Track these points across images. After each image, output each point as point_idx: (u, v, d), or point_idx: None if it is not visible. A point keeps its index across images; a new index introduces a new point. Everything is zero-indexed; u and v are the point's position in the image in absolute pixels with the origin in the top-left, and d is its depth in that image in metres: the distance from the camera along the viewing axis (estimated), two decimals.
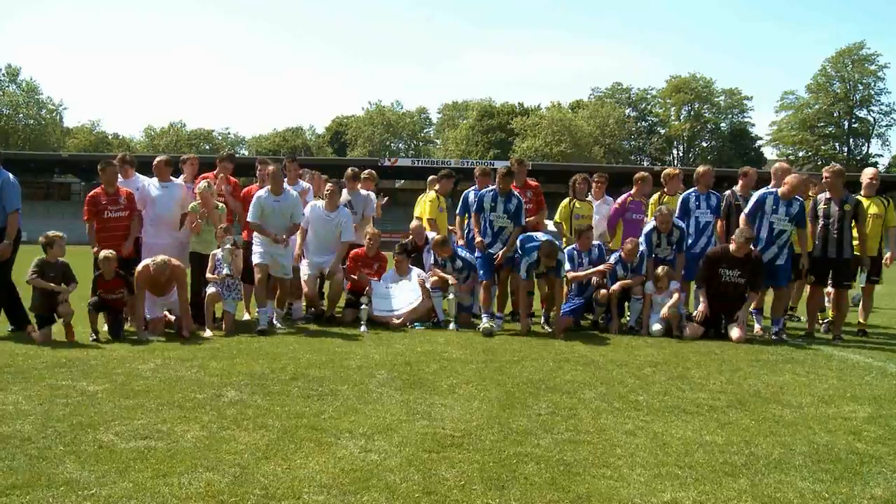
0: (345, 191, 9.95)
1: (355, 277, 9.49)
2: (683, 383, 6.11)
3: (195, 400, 5.15)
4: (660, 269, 9.03)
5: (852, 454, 4.28)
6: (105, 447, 4.05)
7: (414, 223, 10.45)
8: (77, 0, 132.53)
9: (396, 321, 9.14)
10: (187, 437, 4.26)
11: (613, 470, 3.88)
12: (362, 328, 8.74)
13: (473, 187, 9.89)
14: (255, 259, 8.73)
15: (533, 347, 7.83)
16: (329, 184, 9.55)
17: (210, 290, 8.42)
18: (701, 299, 8.80)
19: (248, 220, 8.83)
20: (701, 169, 9.96)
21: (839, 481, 3.82)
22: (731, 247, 8.67)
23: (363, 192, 10.37)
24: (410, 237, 10.30)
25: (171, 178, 9.23)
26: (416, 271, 9.65)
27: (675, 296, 8.90)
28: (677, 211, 9.56)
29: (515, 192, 9.31)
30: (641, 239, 9.32)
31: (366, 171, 10.67)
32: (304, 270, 9.43)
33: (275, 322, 8.79)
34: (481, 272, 9.21)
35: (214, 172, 9.51)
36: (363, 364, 6.65)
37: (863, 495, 3.65)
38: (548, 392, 5.68)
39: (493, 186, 9.28)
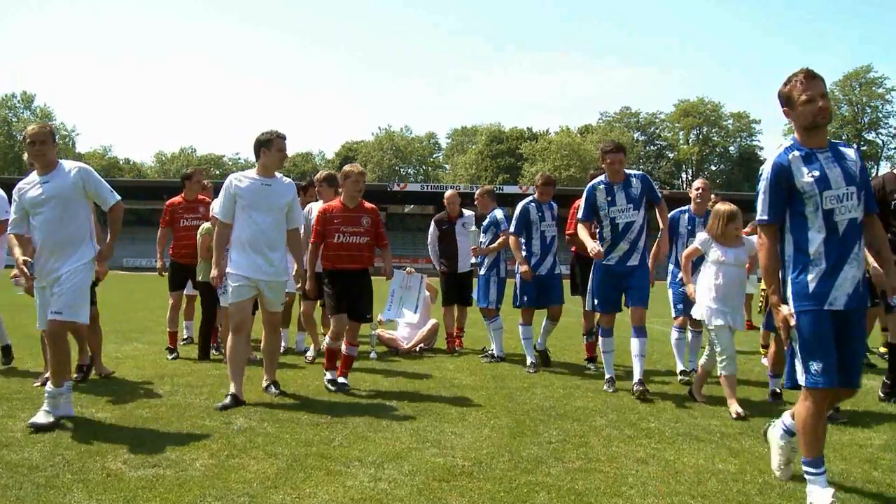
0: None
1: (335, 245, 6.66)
2: (695, 410, 6.05)
3: (204, 427, 5.14)
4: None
5: (869, 482, 4.21)
6: (113, 475, 4.04)
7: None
8: (90, 28, 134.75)
9: (406, 346, 9.17)
10: (196, 466, 4.24)
11: (625, 499, 3.83)
12: (372, 355, 8.72)
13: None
14: (39, 323, 5.45)
15: (542, 374, 7.79)
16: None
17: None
18: None
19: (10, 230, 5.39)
20: None
21: None
22: None
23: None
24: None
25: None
26: (423, 292, 9.57)
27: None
28: None
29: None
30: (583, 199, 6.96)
31: (318, 176, 8.35)
32: (230, 283, 6.14)
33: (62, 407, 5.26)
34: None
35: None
36: (372, 391, 6.63)
37: None
38: (558, 419, 5.63)
39: (532, 196, 8.25)
